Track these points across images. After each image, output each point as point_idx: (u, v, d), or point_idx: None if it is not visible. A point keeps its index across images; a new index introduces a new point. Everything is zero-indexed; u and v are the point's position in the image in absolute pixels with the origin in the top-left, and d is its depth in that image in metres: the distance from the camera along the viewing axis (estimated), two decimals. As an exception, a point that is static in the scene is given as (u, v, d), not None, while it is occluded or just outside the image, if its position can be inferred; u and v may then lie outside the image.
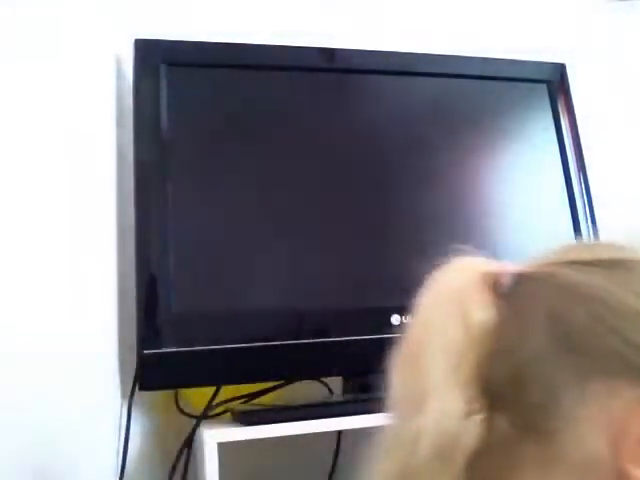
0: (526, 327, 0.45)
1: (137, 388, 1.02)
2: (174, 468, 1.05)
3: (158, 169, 1.03)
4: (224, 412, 1.05)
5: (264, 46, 1.14)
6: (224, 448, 0.92)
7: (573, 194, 1.21)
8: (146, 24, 1.16)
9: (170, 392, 1.09)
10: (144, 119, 1.06)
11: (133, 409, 1.05)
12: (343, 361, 1.04)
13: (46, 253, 1.07)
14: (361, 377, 1.08)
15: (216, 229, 1.04)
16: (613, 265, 0.46)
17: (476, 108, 1.22)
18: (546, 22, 1.46)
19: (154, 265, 1.00)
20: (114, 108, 1.14)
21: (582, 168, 1.24)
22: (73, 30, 1.14)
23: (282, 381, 1.08)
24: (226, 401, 1.06)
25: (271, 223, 1.07)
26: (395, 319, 1.04)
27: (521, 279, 0.47)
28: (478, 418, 0.43)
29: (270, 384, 1.08)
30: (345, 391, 1.10)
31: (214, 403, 1.04)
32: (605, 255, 0.47)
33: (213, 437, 0.91)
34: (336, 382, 1.13)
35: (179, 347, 0.97)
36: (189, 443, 1.05)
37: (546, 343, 0.43)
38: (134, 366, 1.01)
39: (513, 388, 0.44)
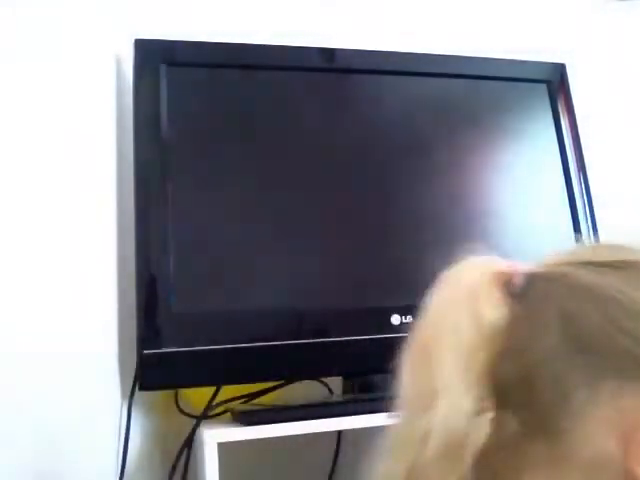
0: (538, 327, 0.45)
1: (137, 388, 1.02)
2: (174, 468, 1.05)
3: (158, 169, 1.03)
4: (224, 412, 1.05)
5: (264, 46, 1.14)
6: (224, 448, 0.92)
7: (573, 194, 1.21)
8: (146, 24, 1.16)
9: (170, 392, 1.09)
10: (144, 119, 1.05)
11: (133, 409, 1.05)
12: (343, 361, 1.04)
13: (46, 253, 1.07)
14: (361, 377, 1.08)
15: (216, 229, 1.04)
16: (626, 267, 0.46)
17: (476, 108, 1.22)
18: (546, 22, 1.46)
19: (154, 265, 1.00)
20: (114, 108, 1.14)
21: (582, 168, 1.24)
22: (73, 30, 1.14)
23: (282, 381, 1.08)
24: (226, 401, 1.06)
25: (271, 223, 1.07)
26: (395, 319, 1.04)
27: (533, 279, 0.47)
28: (487, 417, 0.43)
29: (270, 384, 1.08)
30: (345, 391, 1.10)
31: (214, 403, 1.04)
32: (618, 257, 0.47)
33: (213, 437, 0.91)
34: (336, 382, 1.13)
35: (179, 347, 0.97)
36: (189, 443, 1.05)
37: (558, 343, 0.44)
38: (134, 366, 1.01)
39: (524, 387, 0.44)
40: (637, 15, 1.53)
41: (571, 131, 1.25)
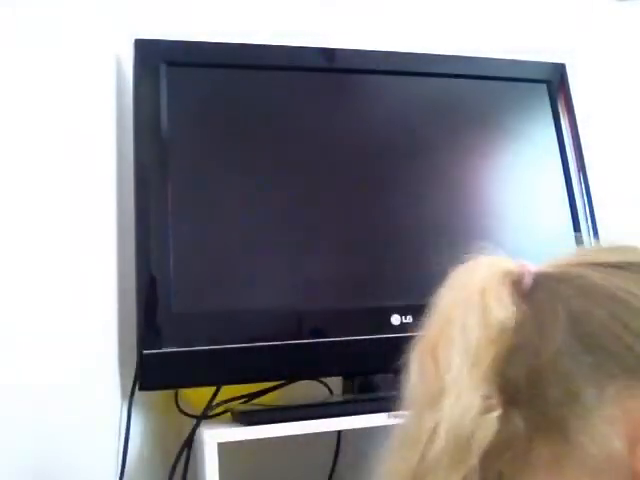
0: (546, 326, 0.45)
1: (137, 388, 1.02)
2: (174, 468, 1.05)
3: (158, 169, 1.03)
4: (224, 412, 1.05)
5: (264, 46, 1.14)
6: (224, 448, 0.92)
7: (573, 194, 1.21)
8: (146, 24, 1.17)
9: (170, 392, 1.09)
10: (144, 119, 1.05)
11: (133, 409, 1.05)
12: (343, 361, 1.04)
13: (46, 253, 1.07)
14: (361, 377, 1.08)
15: (216, 229, 1.04)
16: (635, 268, 0.46)
17: (476, 108, 1.22)
18: (546, 22, 1.46)
19: (154, 265, 1.00)
20: (114, 108, 1.14)
21: (582, 168, 1.24)
22: (73, 30, 1.14)
23: (282, 381, 1.08)
24: (226, 401, 1.05)
25: (271, 223, 1.07)
26: (395, 319, 1.04)
27: (542, 279, 0.48)
28: (494, 415, 0.44)
29: (270, 384, 1.08)
30: (345, 391, 1.10)
31: (214, 403, 1.04)
32: (627, 258, 0.47)
33: (213, 437, 0.91)
34: (336, 382, 1.13)
35: (179, 347, 0.97)
36: (189, 443, 1.05)
37: (566, 342, 0.44)
38: (134, 366, 1.01)
39: (531, 386, 0.44)
40: (637, 15, 1.53)
41: (571, 131, 1.25)
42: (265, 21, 1.25)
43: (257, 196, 1.07)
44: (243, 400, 1.08)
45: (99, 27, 1.16)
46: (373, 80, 1.18)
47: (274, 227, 1.07)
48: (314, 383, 1.13)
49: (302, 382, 1.10)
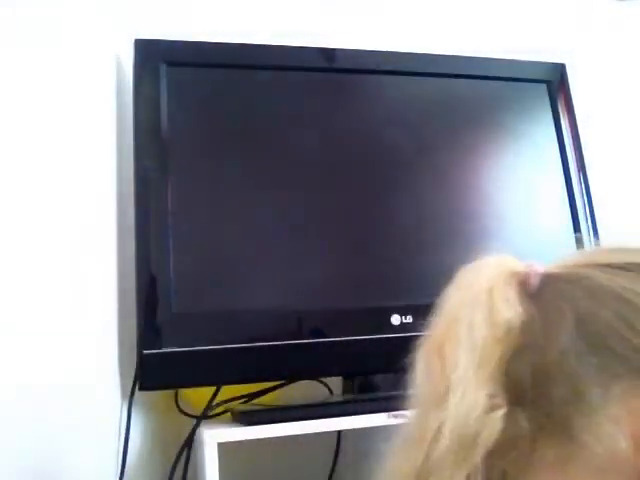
0: (552, 326, 0.45)
1: (137, 388, 1.02)
2: (174, 468, 1.05)
3: (158, 169, 1.03)
4: (224, 412, 1.05)
5: (264, 46, 1.14)
6: (224, 448, 0.92)
7: (573, 194, 1.21)
8: (146, 24, 1.17)
9: (170, 392, 1.09)
10: (144, 119, 1.05)
11: (133, 409, 1.05)
12: (343, 361, 1.04)
13: (46, 253, 1.07)
14: (361, 377, 1.08)
15: (216, 229, 1.04)
16: None
17: (476, 108, 1.23)
18: (546, 22, 1.46)
19: (154, 265, 1.00)
20: (114, 108, 1.14)
21: (582, 168, 1.24)
22: (73, 30, 1.14)
23: (282, 381, 1.08)
24: (226, 401, 1.06)
25: (271, 223, 1.07)
26: (395, 319, 1.04)
27: (550, 279, 0.48)
28: (499, 414, 0.44)
29: (270, 384, 1.08)
30: (345, 391, 1.10)
31: (214, 403, 1.04)
32: (635, 259, 0.47)
33: (213, 437, 0.91)
34: (336, 382, 1.13)
35: (179, 347, 0.97)
36: (189, 443, 1.05)
37: (572, 342, 0.44)
38: (134, 366, 1.01)
39: (537, 386, 0.45)
40: (637, 15, 1.53)
41: (571, 131, 1.25)
42: (265, 21, 1.25)
43: (257, 196, 1.07)
44: (243, 400, 1.08)
45: (99, 27, 1.16)
46: (373, 80, 1.18)
47: (274, 227, 1.07)
48: (314, 383, 1.13)
49: (302, 382, 1.10)
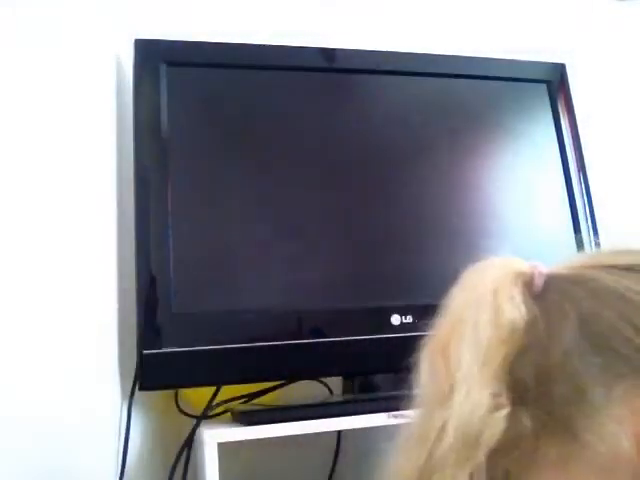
0: (556, 327, 0.46)
1: (137, 388, 1.02)
2: (174, 468, 1.05)
3: (158, 169, 1.03)
4: (224, 412, 1.05)
5: (264, 46, 1.14)
6: (224, 448, 0.92)
7: (573, 194, 1.21)
8: (146, 24, 1.17)
9: (170, 392, 1.09)
10: (144, 119, 1.06)
11: (133, 409, 1.05)
12: (343, 361, 1.04)
13: (46, 253, 1.07)
14: (361, 377, 1.08)
15: (216, 229, 1.04)
16: None
17: (476, 108, 1.23)
18: (546, 22, 1.46)
19: (154, 265, 1.00)
20: (114, 108, 1.14)
21: (582, 168, 1.24)
22: (73, 30, 1.14)
23: (282, 381, 1.08)
24: (226, 401, 1.06)
25: (271, 223, 1.07)
26: (395, 319, 1.03)
27: (555, 280, 0.48)
28: (503, 413, 0.44)
29: (270, 384, 1.08)
30: (345, 391, 1.10)
31: (214, 403, 1.04)
32: (638, 260, 0.48)
33: (213, 437, 0.91)
34: (336, 382, 1.13)
35: (179, 347, 0.97)
36: (189, 443, 1.05)
37: (575, 343, 0.44)
38: (134, 366, 1.01)
39: (540, 385, 0.45)
40: (637, 15, 1.53)
41: (571, 131, 1.25)
42: (265, 21, 1.25)
43: (257, 196, 1.07)
44: (243, 400, 1.08)
45: (99, 27, 1.16)
46: (373, 80, 1.18)
47: (274, 227, 1.07)
48: (314, 383, 1.13)
49: (302, 382, 1.10)
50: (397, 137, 1.16)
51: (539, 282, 0.48)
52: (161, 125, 1.04)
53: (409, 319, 1.03)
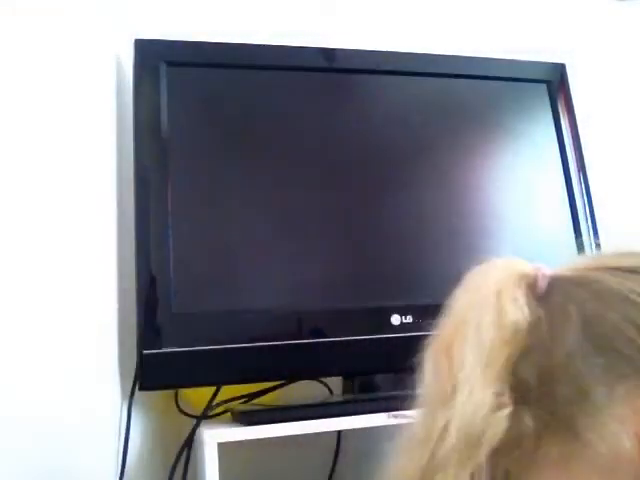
0: (559, 328, 0.46)
1: (137, 388, 1.02)
2: (174, 468, 1.05)
3: (158, 169, 1.03)
4: (224, 412, 1.05)
5: (264, 46, 1.14)
6: (224, 448, 0.92)
7: (573, 194, 1.21)
8: (146, 24, 1.17)
9: (170, 392, 1.09)
10: (144, 119, 1.06)
11: (133, 409, 1.05)
12: (343, 361, 1.04)
13: (46, 253, 1.07)
14: (361, 377, 1.08)
15: (216, 229, 1.04)
16: None
17: (476, 108, 1.23)
18: (546, 22, 1.46)
19: (154, 265, 1.00)
20: (114, 108, 1.14)
21: (582, 168, 1.24)
22: (73, 30, 1.14)
23: (282, 381, 1.08)
24: (226, 401, 1.06)
25: (271, 223, 1.07)
26: (395, 319, 1.04)
27: (559, 282, 0.48)
28: (505, 412, 0.44)
29: (270, 384, 1.08)
30: (345, 391, 1.10)
31: (214, 403, 1.04)
32: None
33: (213, 437, 0.91)
34: (336, 382, 1.13)
35: (179, 347, 0.97)
36: (189, 443, 1.05)
37: (578, 343, 0.45)
38: (134, 366, 1.01)
39: (543, 386, 0.45)
40: (637, 15, 1.53)
41: (571, 131, 1.25)
42: (265, 21, 1.25)
43: (257, 196, 1.07)
44: (243, 400, 1.08)
45: (99, 27, 1.16)
46: (373, 80, 1.18)
47: (274, 227, 1.07)
48: (314, 383, 1.13)
49: (302, 382, 1.10)
50: (397, 137, 1.16)
51: (542, 284, 0.48)
52: (161, 125, 1.05)
53: (409, 319, 1.03)
